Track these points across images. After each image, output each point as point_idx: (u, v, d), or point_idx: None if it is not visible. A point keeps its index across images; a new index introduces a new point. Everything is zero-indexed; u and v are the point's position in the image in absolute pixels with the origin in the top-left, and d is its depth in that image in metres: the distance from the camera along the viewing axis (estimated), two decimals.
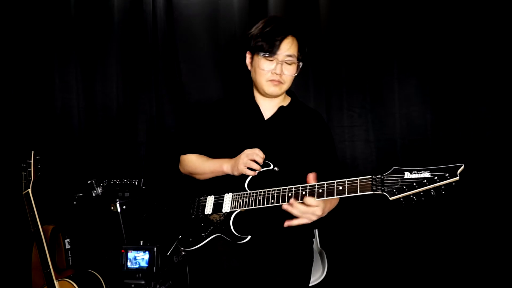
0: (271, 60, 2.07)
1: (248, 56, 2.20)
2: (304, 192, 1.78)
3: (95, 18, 3.17)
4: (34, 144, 2.97)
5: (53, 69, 3.19)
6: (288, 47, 2.06)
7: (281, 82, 2.10)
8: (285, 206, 1.81)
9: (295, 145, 2.14)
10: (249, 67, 2.21)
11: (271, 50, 2.05)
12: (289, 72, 2.10)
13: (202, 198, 2.13)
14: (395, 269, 2.85)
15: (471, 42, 2.73)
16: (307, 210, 1.77)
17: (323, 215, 1.84)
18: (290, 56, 2.07)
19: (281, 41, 2.04)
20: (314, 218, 1.80)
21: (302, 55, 2.13)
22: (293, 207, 1.78)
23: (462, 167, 1.45)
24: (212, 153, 2.21)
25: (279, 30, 2.06)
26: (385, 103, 2.90)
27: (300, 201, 1.79)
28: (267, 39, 2.05)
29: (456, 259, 2.76)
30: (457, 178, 1.45)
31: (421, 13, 2.80)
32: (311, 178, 1.81)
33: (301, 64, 2.13)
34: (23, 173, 2.63)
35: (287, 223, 1.82)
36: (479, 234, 2.73)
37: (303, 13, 2.96)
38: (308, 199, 1.76)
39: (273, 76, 2.09)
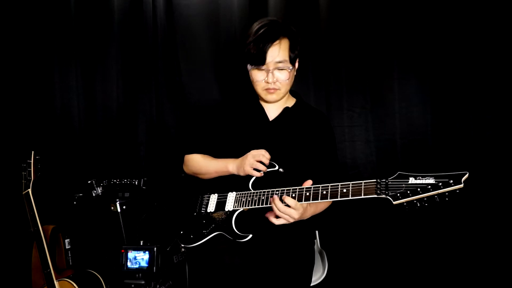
0: (262, 70, 2.07)
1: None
2: (308, 194, 1.80)
3: (95, 18, 3.17)
4: (34, 144, 2.97)
5: (53, 69, 3.19)
6: (276, 54, 2.04)
7: (276, 89, 2.10)
8: (271, 199, 1.85)
9: (300, 147, 2.15)
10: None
11: (258, 61, 2.04)
12: (282, 78, 2.09)
13: (205, 196, 2.14)
14: (395, 269, 2.86)
15: (471, 42, 2.73)
16: (284, 210, 1.80)
17: (303, 219, 1.88)
18: (280, 62, 2.05)
19: (267, 50, 2.02)
20: (291, 220, 1.83)
21: (295, 53, 2.11)
22: (274, 203, 1.82)
23: (467, 175, 1.48)
24: (217, 154, 2.22)
25: (264, 38, 2.03)
26: (385, 103, 2.90)
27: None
28: (253, 49, 2.04)
29: (456, 260, 2.77)
30: (461, 185, 1.47)
31: (421, 13, 2.80)
32: (308, 184, 1.83)
33: (296, 66, 2.15)
34: (23, 173, 2.63)
35: (267, 214, 1.88)
36: (480, 238, 2.72)
37: (303, 13, 2.95)
38: (288, 199, 1.79)
39: (267, 85, 2.09)
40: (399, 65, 2.87)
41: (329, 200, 1.76)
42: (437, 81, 2.80)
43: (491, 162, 2.69)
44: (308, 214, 1.94)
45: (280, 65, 2.05)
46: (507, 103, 2.68)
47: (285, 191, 1.85)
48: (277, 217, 1.84)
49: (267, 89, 2.10)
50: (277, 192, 1.87)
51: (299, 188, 1.83)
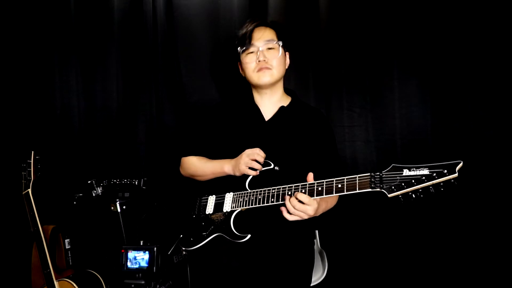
0: (252, 52, 2.15)
1: (239, 66, 2.27)
2: (303, 191, 1.79)
3: (95, 18, 3.17)
4: (34, 144, 2.97)
5: (53, 69, 3.19)
6: (261, 34, 2.15)
7: (268, 68, 2.13)
8: (286, 197, 1.82)
9: (296, 145, 2.14)
10: (242, 73, 2.25)
11: (245, 42, 2.14)
12: (272, 56, 2.14)
13: (203, 197, 2.14)
14: (395, 268, 2.85)
15: (471, 42, 2.73)
16: (299, 207, 1.78)
17: (316, 215, 1.85)
18: (267, 41, 2.14)
19: (251, 32, 2.15)
20: (305, 216, 1.81)
21: (283, 41, 2.19)
22: (288, 202, 1.80)
23: (461, 164, 1.46)
24: (213, 155, 2.22)
25: (248, 24, 2.18)
26: (385, 103, 2.89)
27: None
28: (240, 36, 2.17)
29: (456, 258, 2.76)
30: (456, 175, 1.46)
31: (421, 13, 2.80)
32: (310, 178, 1.81)
33: (281, 44, 2.19)
34: (23, 173, 2.64)
35: (282, 208, 1.84)
36: (478, 232, 2.72)
37: (303, 13, 2.95)
38: (300, 196, 1.77)
39: (259, 64, 2.13)
40: (399, 65, 2.86)
41: (325, 195, 1.74)
42: (437, 81, 2.80)
43: (491, 162, 2.69)
44: (320, 210, 1.93)
45: (268, 44, 2.14)
46: (507, 103, 2.68)
47: (281, 189, 1.85)
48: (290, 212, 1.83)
49: (259, 70, 2.14)
50: (273, 191, 1.87)
51: (294, 186, 1.82)
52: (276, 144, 2.12)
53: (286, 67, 2.28)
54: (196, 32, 3.08)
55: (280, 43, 2.16)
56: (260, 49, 2.12)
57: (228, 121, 2.25)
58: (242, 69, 2.24)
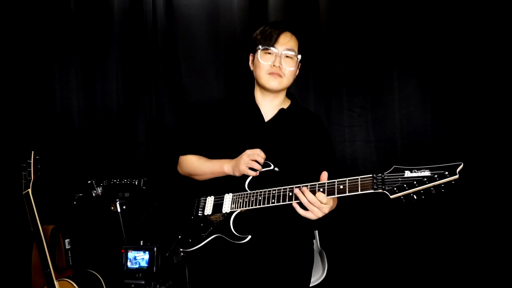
0: (270, 54, 2.11)
1: (250, 57, 2.24)
2: None
3: (95, 18, 3.17)
4: (34, 144, 2.97)
5: (53, 69, 3.18)
6: (286, 41, 2.10)
7: (280, 76, 2.12)
8: (296, 191, 1.79)
9: (295, 147, 2.14)
10: (251, 67, 2.23)
11: (269, 43, 2.09)
12: (288, 66, 2.12)
13: (202, 198, 2.13)
14: (395, 268, 2.85)
15: (471, 42, 2.73)
16: (315, 202, 1.75)
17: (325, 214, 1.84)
18: (289, 49, 2.10)
19: (278, 34, 2.10)
20: (320, 214, 1.78)
21: (301, 53, 2.16)
22: (304, 194, 1.77)
23: (462, 166, 1.47)
24: (212, 154, 2.21)
25: (278, 25, 2.14)
26: (385, 103, 2.91)
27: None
28: (266, 33, 2.11)
29: (456, 258, 2.77)
30: (457, 176, 1.47)
31: (421, 13, 2.81)
32: (324, 177, 1.80)
33: (299, 58, 2.16)
34: (23, 173, 2.63)
35: (295, 204, 1.80)
36: (479, 232, 2.73)
37: (303, 13, 2.96)
38: (320, 195, 1.75)
39: (272, 68, 2.10)
40: (399, 65, 2.87)
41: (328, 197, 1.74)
42: (437, 81, 2.81)
43: (490, 162, 2.69)
44: (327, 211, 1.90)
45: (288, 52, 2.11)
46: (507, 104, 2.69)
47: (282, 190, 1.84)
48: (305, 208, 1.79)
49: (271, 73, 2.12)
50: (274, 192, 1.87)
51: (295, 187, 1.82)
52: (275, 145, 2.11)
53: (297, 73, 2.25)
54: (196, 32, 3.09)
55: (299, 57, 2.14)
56: (280, 53, 2.10)
57: (227, 119, 2.24)
58: (254, 64, 2.21)
